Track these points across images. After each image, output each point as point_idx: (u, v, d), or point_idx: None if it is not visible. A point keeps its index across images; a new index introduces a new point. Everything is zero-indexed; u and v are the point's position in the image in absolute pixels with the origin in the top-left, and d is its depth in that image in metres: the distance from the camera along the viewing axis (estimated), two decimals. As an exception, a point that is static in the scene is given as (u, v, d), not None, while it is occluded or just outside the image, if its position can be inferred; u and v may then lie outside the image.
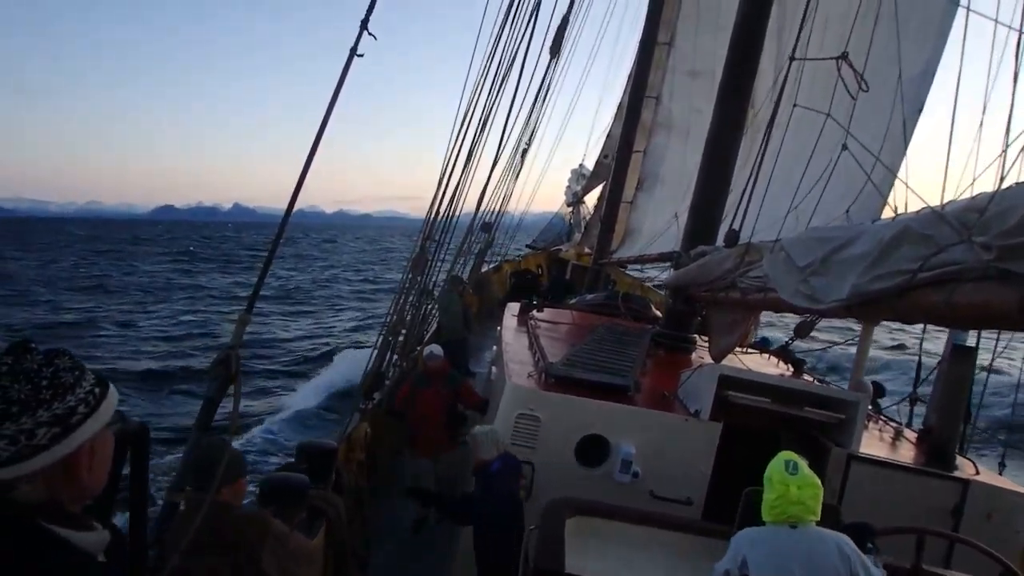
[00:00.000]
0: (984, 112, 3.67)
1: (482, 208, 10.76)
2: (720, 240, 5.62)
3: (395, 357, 7.59)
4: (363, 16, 2.98)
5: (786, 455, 2.75)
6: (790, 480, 2.62)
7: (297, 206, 3.16)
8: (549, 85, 11.85)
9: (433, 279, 8.79)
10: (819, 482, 2.69)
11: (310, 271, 51.33)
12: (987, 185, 2.94)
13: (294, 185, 3.08)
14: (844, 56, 4.69)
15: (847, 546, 2.59)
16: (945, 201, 2.85)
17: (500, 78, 8.01)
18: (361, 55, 3.01)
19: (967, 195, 2.83)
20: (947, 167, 3.59)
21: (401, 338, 7.79)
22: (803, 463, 2.71)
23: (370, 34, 2.99)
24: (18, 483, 1.15)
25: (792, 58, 4.93)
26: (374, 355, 7.14)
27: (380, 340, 7.34)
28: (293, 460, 4.15)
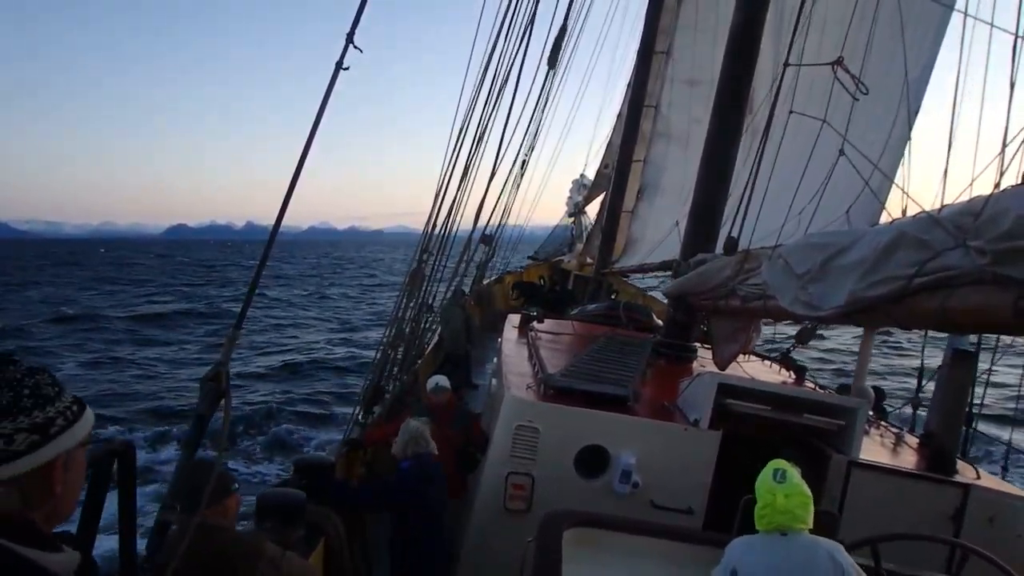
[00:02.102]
0: (981, 115, 3.65)
1: (481, 220, 10.72)
2: (720, 248, 5.57)
3: (395, 370, 7.54)
4: (348, 29, 2.98)
5: (775, 464, 2.73)
6: (777, 489, 2.61)
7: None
8: (548, 96, 11.85)
9: (432, 293, 8.72)
10: (808, 490, 2.67)
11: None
12: (985, 187, 2.90)
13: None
14: (839, 61, 4.67)
15: (839, 554, 2.56)
16: (941, 205, 2.82)
17: (497, 90, 7.99)
18: (347, 68, 3.03)
19: (965, 197, 2.79)
20: (946, 171, 3.55)
21: (400, 353, 7.73)
22: (793, 471, 2.69)
23: (356, 47, 3.00)
24: None
25: (786, 64, 4.91)
26: (373, 369, 7.08)
27: (379, 354, 7.29)
28: (290, 476, 4.12)
